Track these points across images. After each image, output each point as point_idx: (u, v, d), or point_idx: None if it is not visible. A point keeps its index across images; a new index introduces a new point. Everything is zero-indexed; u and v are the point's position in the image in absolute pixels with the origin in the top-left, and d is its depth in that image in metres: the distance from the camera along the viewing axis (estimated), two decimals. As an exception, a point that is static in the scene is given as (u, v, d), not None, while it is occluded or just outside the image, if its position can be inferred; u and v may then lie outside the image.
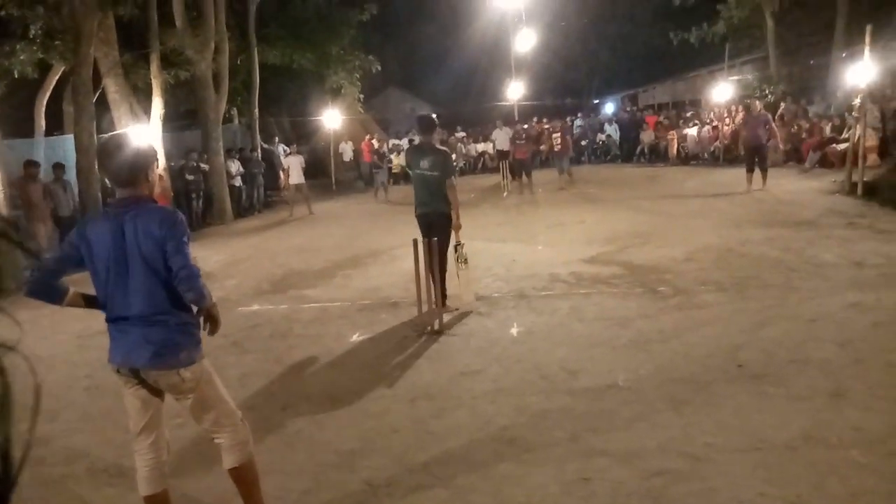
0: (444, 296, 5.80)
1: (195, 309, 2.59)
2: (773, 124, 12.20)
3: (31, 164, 10.27)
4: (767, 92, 18.12)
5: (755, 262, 6.78)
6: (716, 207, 10.47)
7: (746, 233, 8.25)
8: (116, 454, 3.65)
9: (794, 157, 15.00)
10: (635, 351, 4.65)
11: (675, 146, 18.69)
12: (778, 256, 6.93)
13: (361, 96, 22.35)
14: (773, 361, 4.25)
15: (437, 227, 5.79)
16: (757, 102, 12.70)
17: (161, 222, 2.47)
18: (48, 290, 2.54)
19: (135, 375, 2.56)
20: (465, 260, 6.03)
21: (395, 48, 27.85)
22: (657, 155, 19.71)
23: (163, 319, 2.50)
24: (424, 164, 5.79)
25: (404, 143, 20.37)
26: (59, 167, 10.91)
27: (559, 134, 15.76)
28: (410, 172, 6.05)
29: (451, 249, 5.93)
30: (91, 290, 2.61)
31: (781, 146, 14.49)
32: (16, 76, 14.62)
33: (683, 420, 3.57)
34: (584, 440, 3.44)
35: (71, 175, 11.19)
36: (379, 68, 22.10)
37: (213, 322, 2.64)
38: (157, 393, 2.63)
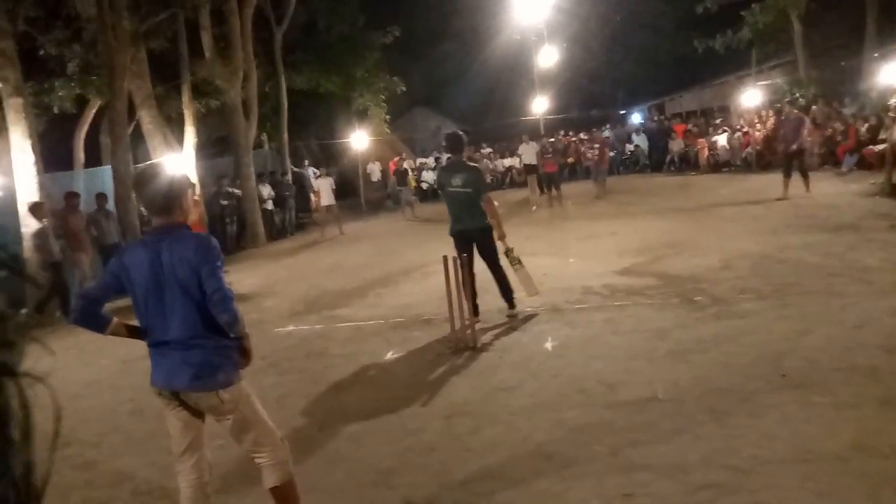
0: (476, 308, 5.85)
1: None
2: (807, 127, 11.95)
3: (71, 196, 10.59)
4: (798, 95, 17.81)
5: (795, 269, 6.62)
6: (751, 214, 10.28)
7: (784, 239, 8.07)
8: (160, 476, 3.71)
9: (830, 160, 14.67)
10: (674, 362, 4.57)
11: (706, 154, 18.45)
12: (818, 262, 6.76)
13: (388, 117, 22.62)
14: (817, 369, 4.13)
15: (479, 241, 5.81)
16: (789, 106, 12.48)
17: (196, 248, 2.53)
18: (93, 319, 2.61)
19: (176, 397, 2.61)
20: (519, 260, 6.12)
21: (418, 68, 28.16)
22: (687, 163, 19.48)
23: (200, 343, 2.55)
24: (457, 181, 5.80)
25: (430, 161, 20.51)
26: (101, 197, 11.22)
27: (599, 145, 15.96)
28: (441, 192, 6.04)
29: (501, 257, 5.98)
30: (134, 320, 2.69)
31: (816, 149, 14.20)
32: (55, 111, 15.18)
33: (727, 431, 3.48)
34: (625, 454, 3.38)
35: (110, 204, 11.52)
36: (404, 89, 22.36)
37: (245, 355, 2.69)
38: (198, 414, 2.67)
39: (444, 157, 21.53)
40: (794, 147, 11.18)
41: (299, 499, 2.80)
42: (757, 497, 2.84)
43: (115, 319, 2.67)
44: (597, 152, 15.74)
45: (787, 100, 15.54)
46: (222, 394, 2.58)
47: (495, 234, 5.85)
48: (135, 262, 2.57)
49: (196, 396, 2.59)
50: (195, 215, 10.39)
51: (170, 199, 2.60)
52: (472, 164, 6.20)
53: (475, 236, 5.81)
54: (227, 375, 2.59)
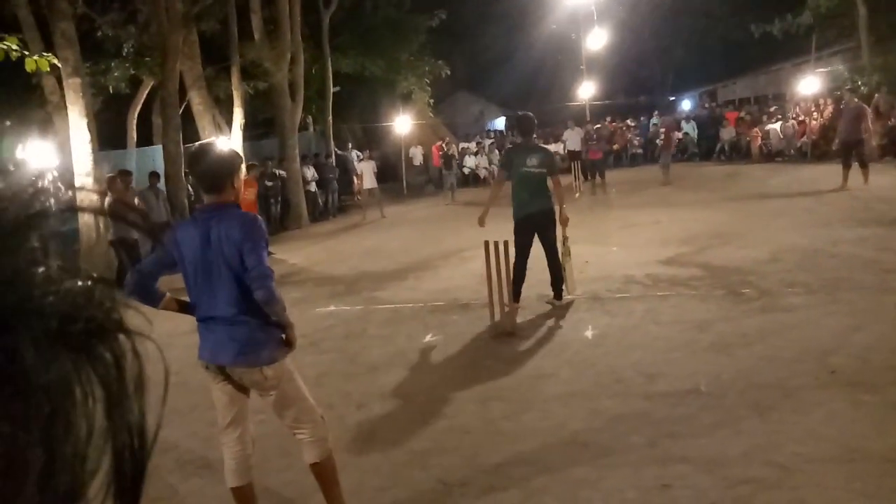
0: (518, 295, 5.87)
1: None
2: (869, 117, 11.43)
3: (124, 174, 10.92)
4: (860, 83, 17.03)
5: (846, 263, 6.38)
6: (803, 206, 9.93)
7: (837, 232, 7.78)
8: (203, 447, 3.83)
9: (892, 150, 14.04)
10: (716, 355, 4.47)
11: (758, 143, 17.85)
12: (872, 257, 6.50)
13: (431, 101, 22.57)
14: (867, 368, 3.99)
15: (544, 224, 5.86)
16: (849, 94, 11.94)
17: (241, 226, 2.57)
18: (146, 293, 2.69)
19: (221, 372, 2.68)
20: (569, 253, 6.21)
21: (463, 51, 27.94)
22: (738, 152, 18.90)
23: (245, 320, 2.61)
24: (532, 161, 5.85)
25: (472, 146, 20.41)
26: (154, 175, 11.52)
27: (665, 129, 15.61)
28: (511, 173, 5.98)
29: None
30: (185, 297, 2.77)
31: (875, 141, 13.59)
32: (110, 91, 15.64)
33: (769, 427, 3.40)
34: (663, 446, 3.33)
35: (162, 183, 11.84)
36: (448, 72, 22.26)
37: (288, 344, 2.73)
38: (243, 389, 2.74)
39: (487, 142, 21.43)
40: (854, 138, 10.74)
41: (337, 475, 2.85)
42: (799, 494, 2.78)
43: (168, 294, 2.75)
44: (662, 138, 15.26)
45: (847, 87, 14.88)
46: (266, 370, 2.63)
47: (559, 218, 5.91)
48: (186, 239, 2.64)
49: (240, 372, 2.66)
50: (251, 195, 10.64)
51: (220, 177, 2.65)
52: (545, 146, 6.19)
53: (542, 221, 5.84)
54: (271, 353, 2.65)
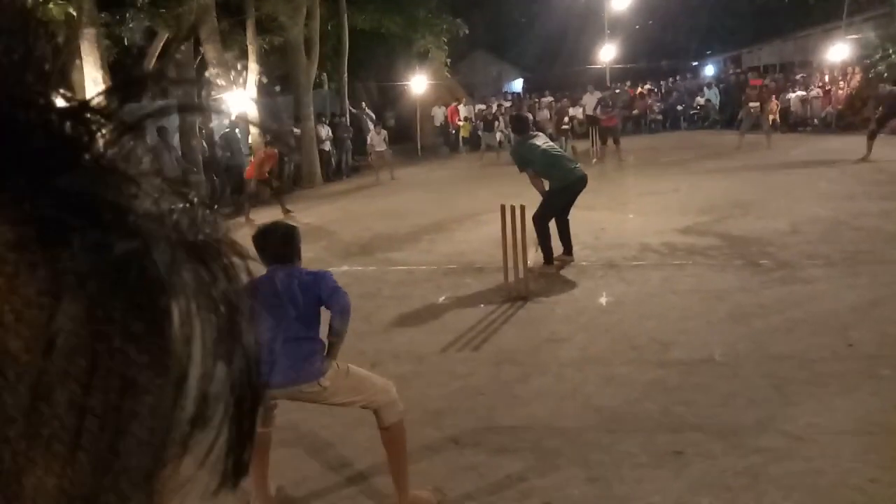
0: (552, 255, 6.18)
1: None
2: None
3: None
4: (892, 51, 16.50)
5: (869, 236, 6.27)
6: (826, 177, 9.73)
7: (860, 204, 7.63)
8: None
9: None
10: (733, 325, 4.44)
11: (774, 112, 17.29)
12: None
13: (448, 60, 22.18)
14: (887, 342, 3.94)
15: (582, 188, 6.17)
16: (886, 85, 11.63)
17: (314, 276, 2.75)
18: None
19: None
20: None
21: (481, 10, 27.29)
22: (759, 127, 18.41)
23: (304, 337, 2.68)
24: (544, 140, 6.29)
25: (493, 108, 20.13)
26: (162, 130, 11.49)
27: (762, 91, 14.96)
28: (533, 164, 6.10)
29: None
30: None
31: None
32: (126, 43, 15.49)
33: (785, 398, 3.38)
34: (676, 413, 3.33)
35: (174, 137, 11.83)
36: (466, 31, 21.80)
37: (330, 356, 2.75)
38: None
39: (506, 104, 21.11)
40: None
41: (406, 444, 2.84)
42: (813, 465, 2.77)
43: None
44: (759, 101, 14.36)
45: (874, 69, 14.33)
46: (323, 381, 2.65)
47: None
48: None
49: (295, 389, 2.65)
50: (268, 166, 10.61)
51: (289, 253, 2.79)
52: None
53: (583, 185, 6.13)
54: (323, 363, 2.67)
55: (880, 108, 11.08)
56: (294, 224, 3.03)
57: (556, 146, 6.42)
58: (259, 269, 2.94)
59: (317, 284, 2.73)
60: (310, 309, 2.71)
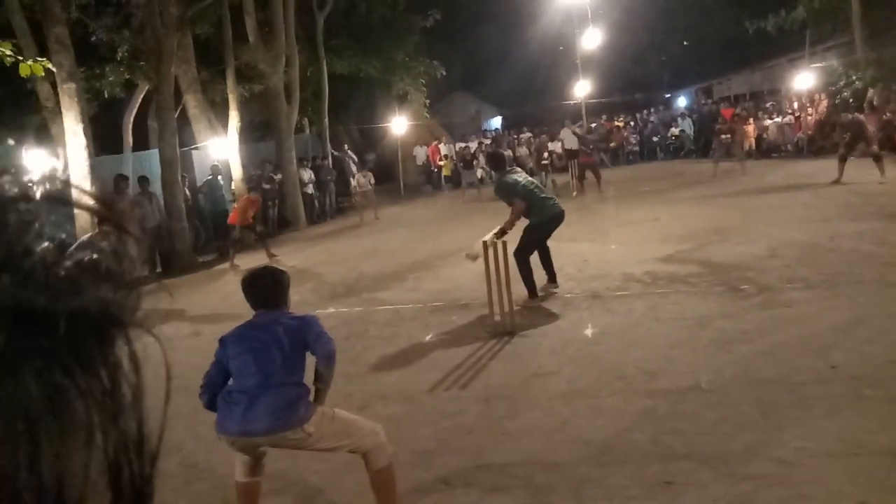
0: (534, 288, 6.23)
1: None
2: (868, 125, 11.60)
3: (120, 179, 10.90)
4: (855, 78, 17.06)
5: (846, 258, 6.39)
6: (800, 201, 9.94)
7: (835, 227, 7.79)
8: (207, 450, 3.81)
9: (888, 145, 14.03)
10: (717, 352, 4.47)
11: (750, 140, 17.73)
12: (871, 251, 6.51)
13: (427, 101, 22.55)
14: (869, 362, 3.99)
15: (560, 221, 6.34)
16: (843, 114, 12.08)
17: (301, 320, 2.76)
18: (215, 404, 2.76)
19: (248, 443, 2.67)
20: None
21: (458, 51, 27.88)
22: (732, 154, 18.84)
23: (286, 383, 2.64)
24: (525, 176, 6.54)
25: (472, 146, 20.41)
26: (143, 180, 11.50)
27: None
28: (518, 193, 6.17)
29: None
30: None
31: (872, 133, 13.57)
32: (106, 96, 15.59)
33: (772, 423, 3.40)
34: (666, 443, 3.33)
35: (156, 187, 11.83)
36: (444, 73, 22.24)
37: (318, 401, 2.75)
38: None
39: (486, 142, 21.42)
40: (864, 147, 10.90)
41: (396, 483, 2.80)
42: (802, 490, 2.78)
43: None
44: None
45: (840, 95, 14.83)
46: (307, 428, 2.61)
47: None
48: (234, 338, 2.75)
49: (278, 437, 2.62)
50: (251, 211, 10.65)
51: (276, 297, 2.84)
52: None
53: (561, 218, 6.31)
54: (307, 409, 2.64)
55: (847, 134, 11.42)
56: (282, 269, 3.04)
57: (534, 181, 6.64)
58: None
59: (302, 329, 2.73)
60: (295, 354, 2.71)
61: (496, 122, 31.50)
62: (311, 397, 2.71)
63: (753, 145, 17.77)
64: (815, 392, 3.68)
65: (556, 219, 6.25)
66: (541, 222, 6.20)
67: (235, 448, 2.69)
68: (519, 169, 6.81)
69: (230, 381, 2.74)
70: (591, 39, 21.52)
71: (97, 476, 0.28)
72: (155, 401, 0.35)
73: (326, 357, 2.69)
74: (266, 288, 2.85)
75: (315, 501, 3.22)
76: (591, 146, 15.04)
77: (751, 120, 18.28)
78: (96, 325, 0.29)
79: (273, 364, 2.64)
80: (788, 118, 17.50)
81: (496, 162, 6.74)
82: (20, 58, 6.27)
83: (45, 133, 12.50)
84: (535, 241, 6.26)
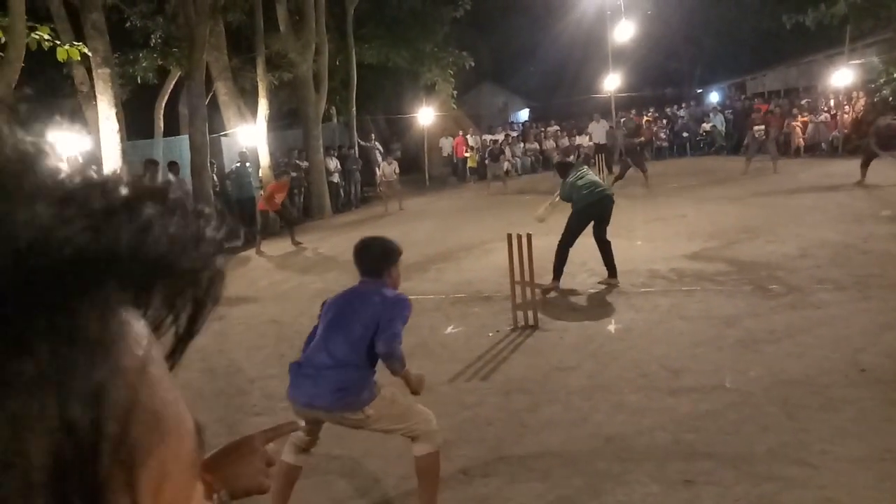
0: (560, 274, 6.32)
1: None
2: None
3: (150, 163, 11.10)
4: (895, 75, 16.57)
5: (879, 260, 6.24)
6: (834, 201, 9.72)
7: (869, 228, 7.60)
8: (229, 433, 3.88)
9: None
10: (743, 351, 4.41)
11: (798, 140, 17.32)
12: (906, 253, 6.34)
13: (455, 92, 22.49)
14: (900, 367, 3.90)
15: (609, 213, 6.39)
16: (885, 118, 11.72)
17: (389, 300, 2.73)
18: None
19: (314, 416, 2.72)
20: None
21: (487, 42, 27.69)
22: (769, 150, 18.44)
23: (354, 364, 2.67)
24: (584, 170, 6.63)
25: (500, 137, 20.33)
26: (173, 165, 11.69)
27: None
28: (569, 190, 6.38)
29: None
30: None
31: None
32: (138, 81, 15.84)
33: (797, 425, 3.35)
34: (687, 441, 3.30)
35: (185, 173, 12.02)
36: (472, 64, 22.14)
37: (412, 391, 2.81)
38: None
39: (513, 134, 21.26)
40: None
41: (439, 476, 2.82)
42: (826, 493, 2.73)
43: None
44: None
45: (879, 93, 14.37)
46: (367, 410, 2.65)
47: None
48: (334, 299, 2.84)
49: (339, 415, 2.67)
50: (279, 198, 10.76)
51: (380, 267, 2.86)
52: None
53: (610, 206, 6.33)
54: (371, 392, 2.67)
55: (874, 138, 11.11)
56: (395, 243, 2.99)
57: (589, 173, 6.64)
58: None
59: (384, 309, 2.70)
60: (368, 332, 2.69)
61: (524, 114, 31.30)
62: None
63: (802, 142, 17.30)
64: (842, 395, 3.61)
65: (596, 204, 6.23)
66: (581, 207, 6.27)
67: (300, 416, 2.73)
68: (584, 167, 6.83)
69: (308, 348, 2.80)
70: (624, 32, 21.22)
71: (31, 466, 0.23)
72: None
73: (383, 356, 2.67)
74: (372, 257, 2.88)
75: (335, 486, 3.26)
76: (638, 145, 14.79)
77: (804, 114, 17.79)
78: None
79: (347, 338, 2.66)
80: (824, 116, 17.06)
81: (560, 171, 6.81)
82: (57, 42, 6.39)
83: (80, 116, 12.75)
84: (575, 228, 6.29)
